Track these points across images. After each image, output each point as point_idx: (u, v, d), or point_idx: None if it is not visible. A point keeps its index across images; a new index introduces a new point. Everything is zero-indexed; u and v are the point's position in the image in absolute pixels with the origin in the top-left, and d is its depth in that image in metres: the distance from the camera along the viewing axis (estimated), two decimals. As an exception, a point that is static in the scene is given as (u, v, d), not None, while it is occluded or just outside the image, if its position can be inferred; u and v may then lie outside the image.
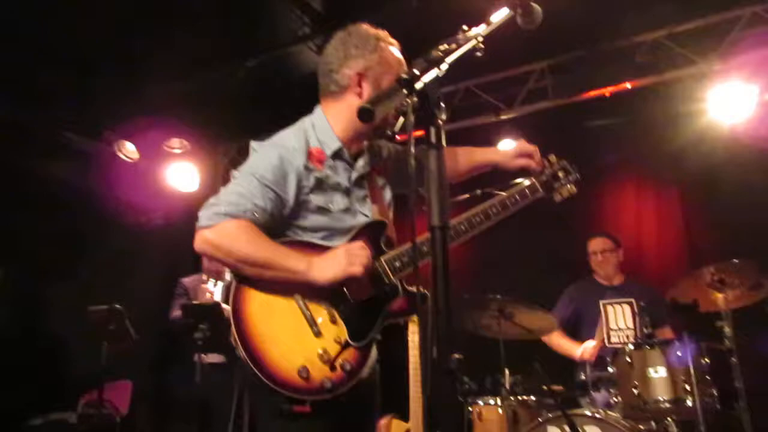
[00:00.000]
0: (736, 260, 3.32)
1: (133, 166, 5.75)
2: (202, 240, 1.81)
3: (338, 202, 1.92)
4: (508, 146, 5.04)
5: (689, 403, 3.17)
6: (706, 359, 3.36)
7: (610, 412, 3.38)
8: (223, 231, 1.78)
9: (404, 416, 4.22)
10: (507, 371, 3.73)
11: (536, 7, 1.53)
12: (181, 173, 5.87)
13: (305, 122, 2.00)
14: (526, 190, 2.03)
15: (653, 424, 3.43)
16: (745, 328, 3.42)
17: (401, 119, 1.11)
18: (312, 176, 1.88)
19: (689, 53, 4.67)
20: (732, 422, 3.24)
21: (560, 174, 2.10)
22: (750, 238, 4.28)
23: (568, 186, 2.10)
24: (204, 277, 4.53)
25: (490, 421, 3.74)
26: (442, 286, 1.00)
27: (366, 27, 1.99)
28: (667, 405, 3.28)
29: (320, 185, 1.89)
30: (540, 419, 3.38)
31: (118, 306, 4.30)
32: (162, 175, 5.87)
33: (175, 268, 5.36)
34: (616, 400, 3.49)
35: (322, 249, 1.85)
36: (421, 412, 3.79)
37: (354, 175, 1.98)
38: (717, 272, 3.32)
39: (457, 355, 1.02)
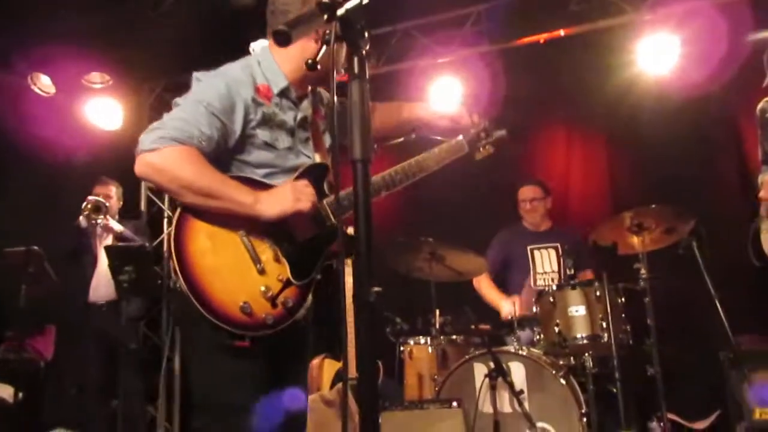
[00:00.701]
0: (654, 205, 3.49)
1: (49, 101, 5.37)
2: (144, 163, 1.75)
3: (283, 140, 1.92)
4: (444, 92, 5.11)
5: (605, 339, 3.37)
6: (622, 298, 3.56)
7: (533, 349, 3.56)
8: (168, 155, 1.73)
9: (336, 356, 4.29)
10: (437, 312, 3.84)
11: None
12: (102, 109, 5.54)
13: (250, 59, 1.98)
14: (455, 147, 2.17)
15: (572, 359, 3.64)
16: (659, 270, 3.62)
17: (324, 48, 1.05)
18: (260, 110, 1.88)
19: (621, 2, 4.73)
20: (642, 356, 3.48)
21: (482, 134, 2.22)
22: (670, 185, 4.50)
23: (488, 146, 2.24)
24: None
25: (420, 360, 3.87)
26: (364, 220, 1.00)
27: None
28: (585, 341, 3.48)
29: (267, 121, 1.89)
30: (467, 357, 3.51)
31: (36, 247, 4.11)
32: (82, 111, 5.53)
33: (98, 208, 5.13)
34: (539, 337, 3.68)
35: (265, 186, 1.86)
36: (352, 351, 3.85)
37: (299, 115, 1.98)
38: (636, 216, 3.48)
39: (377, 288, 1.02)
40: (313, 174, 1.93)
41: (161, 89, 6.09)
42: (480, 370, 3.40)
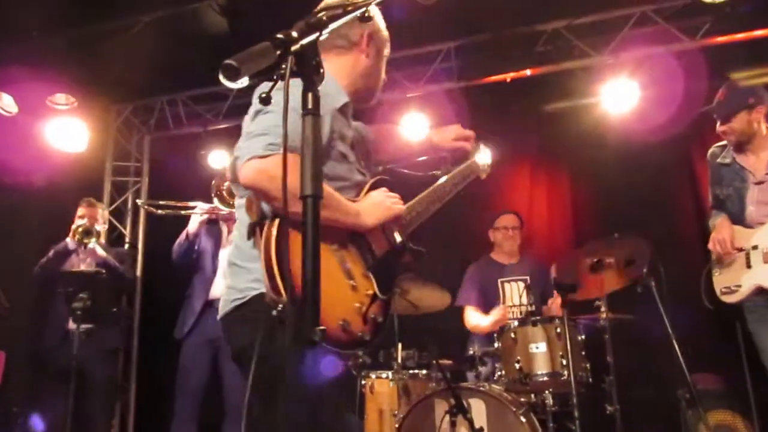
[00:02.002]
0: (616, 234, 3.53)
1: (10, 121, 5.26)
2: (255, 170, 1.62)
3: (350, 154, 1.90)
4: (412, 126, 5.17)
5: (565, 376, 3.38)
6: (582, 336, 3.59)
7: (494, 386, 3.54)
8: (281, 162, 1.58)
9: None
10: (400, 345, 3.81)
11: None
12: (66, 132, 5.44)
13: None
14: (470, 171, 2.26)
15: (533, 396, 3.63)
16: (618, 308, 3.67)
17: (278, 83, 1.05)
18: (337, 122, 1.83)
19: (585, 46, 4.89)
20: (601, 393, 3.49)
21: (482, 154, 2.34)
22: (630, 224, 4.58)
23: (487, 166, 2.34)
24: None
25: (381, 394, 3.82)
26: (311, 257, 0.99)
27: None
28: (546, 378, 3.48)
29: (342, 136, 1.86)
30: (428, 393, 3.48)
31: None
32: (44, 133, 5.42)
33: (57, 233, 5.00)
34: (500, 373, 3.67)
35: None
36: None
37: (351, 133, 1.95)
38: (597, 253, 3.52)
39: (321, 327, 1.00)
40: (379, 187, 1.93)
41: (129, 112, 6.04)
42: (441, 407, 3.36)
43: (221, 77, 1.00)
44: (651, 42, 4.75)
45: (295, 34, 1.05)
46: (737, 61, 4.47)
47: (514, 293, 4.40)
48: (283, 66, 1.04)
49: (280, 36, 1.04)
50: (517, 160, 5.50)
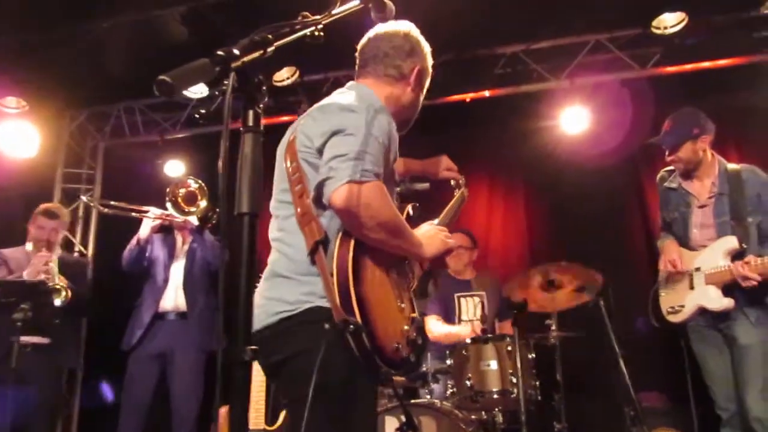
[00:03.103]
0: (563, 262, 3.63)
1: (-43, 123, 5.09)
2: (351, 194, 1.63)
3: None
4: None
5: (514, 394, 3.42)
6: (533, 354, 3.64)
7: (445, 403, 3.55)
8: (373, 190, 1.66)
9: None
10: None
11: (389, 3, 1.58)
12: (17, 136, 5.28)
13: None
14: (461, 199, 2.41)
15: (483, 413, 3.66)
16: (568, 327, 3.75)
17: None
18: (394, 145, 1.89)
19: (543, 70, 5.02)
20: (550, 411, 3.55)
21: (461, 182, 2.48)
22: (582, 245, 4.72)
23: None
24: (29, 247, 4.12)
25: (332, 410, 3.78)
26: (246, 275, 0.98)
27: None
28: (496, 396, 3.51)
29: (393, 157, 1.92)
30: (379, 409, 3.47)
31: None
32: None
33: (2, 239, 4.84)
34: (452, 390, 3.69)
35: None
36: (262, 400, 3.74)
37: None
38: (548, 273, 3.60)
39: (252, 347, 1.00)
40: (414, 213, 2.03)
41: (84, 118, 5.90)
42: (391, 423, 3.35)
43: (156, 91, 0.99)
44: (604, 69, 4.92)
45: (236, 51, 1.05)
46: (684, 91, 4.66)
47: (470, 308, 4.45)
48: (225, 82, 1.03)
49: (220, 53, 1.04)
50: (475, 180, 5.58)
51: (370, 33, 2.06)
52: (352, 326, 1.58)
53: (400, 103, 2.02)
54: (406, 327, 1.80)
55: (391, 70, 2.02)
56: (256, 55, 1.06)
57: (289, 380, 1.73)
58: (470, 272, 4.63)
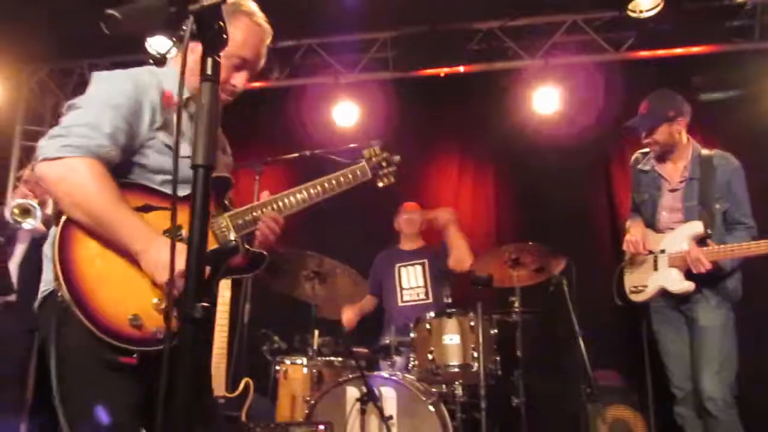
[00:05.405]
0: (530, 243, 3.65)
1: None
2: (43, 172, 1.66)
3: (184, 148, 1.82)
4: (343, 113, 5.14)
5: (474, 368, 3.46)
6: (495, 330, 3.68)
7: (406, 375, 3.57)
8: (70, 168, 1.64)
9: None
10: (317, 332, 3.78)
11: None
12: (-28, 89, 5.07)
13: (156, 69, 1.93)
14: (358, 172, 2.21)
15: (444, 387, 3.69)
16: (531, 305, 3.79)
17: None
18: (163, 114, 1.81)
19: (518, 48, 5.00)
20: (509, 386, 3.60)
21: (384, 163, 2.31)
22: (547, 224, 4.76)
23: (390, 175, 2.33)
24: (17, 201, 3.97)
25: (295, 380, 3.78)
26: (198, 228, 0.94)
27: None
28: (456, 369, 3.54)
29: (168, 126, 1.82)
30: (340, 380, 3.47)
31: None
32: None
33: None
34: (413, 363, 3.71)
35: (157, 194, 1.78)
36: (223, 368, 3.71)
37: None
38: (514, 251, 3.63)
39: (204, 304, 0.97)
40: (215, 186, 1.83)
41: (45, 74, 5.68)
42: (352, 394, 3.36)
43: (103, 27, 0.93)
44: (579, 50, 4.92)
45: (196, -8, 0.99)
46: (655, 77, 4.69)
47: (411, 276, 4.48)
48: (183, 27, 0.98)
49: (178, -8, 0.98)
50: (445, 157, 5.56)
51: None
52: (59, 300, 1.63)
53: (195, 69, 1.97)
54: (155, 300, 1.70)
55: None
56: (216, 0, 1.00)
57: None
58: (418, 242, 4.65)
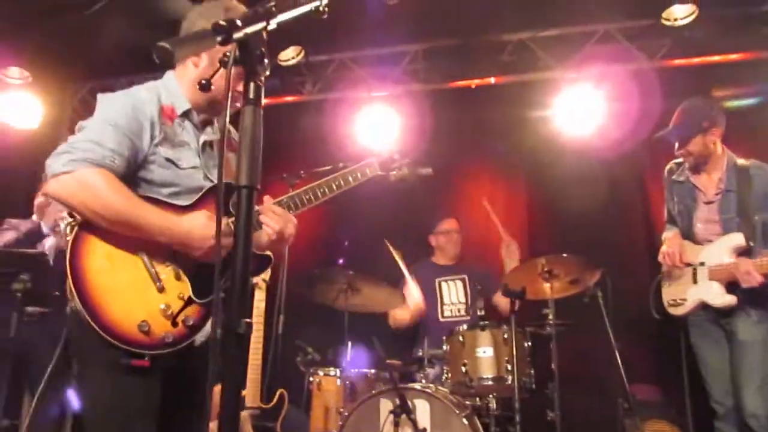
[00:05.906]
0: (565, 255, 3.62)
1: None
2: (57, 186, 1.76)
3: (188, 159, 1.95)
4: (375, 126, 5.18)
5: (509, 381, 3.43)
6: (529, 342, 3.65)
7: (440, 388, 3.57)
8: (80, 178, 1.73)
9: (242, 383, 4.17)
10: (350, 344, 3.81)
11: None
12: (19, 107, 5.26)
13: (157, 82, 2.03)
14: (366, 168, 2.28)
15: (477, 400, 3.67)
16: (565, 317, 3.75)
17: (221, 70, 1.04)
18: (163, 128, 1.90)
19: (549, 58, 4.98)
20: (544, 400, 3.56)
21: (395, 157, 2.39)
22: (582, 236, 4.70)
23: (402, 168, 2.39)
24: (35, 218, 4.11)
25: (328, 392, 3.81)
26: (243, 248, 0.98)
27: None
28: (490, 383, 3.53)
29: (169, 139, 1.91)
30: (373, 392, 3.48)
31: None
32: (-4, 107, 5.23)
33: (2, 211, 4.83)
34: (447, 376, 3.70)
35: (168, 206, 1.86)
36: (257, 379, 3.76)
37: (202, 138, 2.03)
38: (547, 263, 3.60)
39: (247, 320, 1.00)
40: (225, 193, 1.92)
41: (86, 91, 5.87)
42: (385, 406, 3.37)
43: (155, 58, 0.98)
44: (612, 59, 4.86)
45: (239, 22, 1.04)
46: (692, 84, 4.61)
47: (452, 291, 4.48)
48: (227, 54, 1.03)
49: (222, 23, 1.03)
50: (478, 168, 5.55)
51: None
52: (70, 309, 1.77)
53: (193, 81, 1.99)
54: (162, 306, 1.80)
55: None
56: (258, 27, 1.05)
57: None
58: (455, 259, 4.65)
